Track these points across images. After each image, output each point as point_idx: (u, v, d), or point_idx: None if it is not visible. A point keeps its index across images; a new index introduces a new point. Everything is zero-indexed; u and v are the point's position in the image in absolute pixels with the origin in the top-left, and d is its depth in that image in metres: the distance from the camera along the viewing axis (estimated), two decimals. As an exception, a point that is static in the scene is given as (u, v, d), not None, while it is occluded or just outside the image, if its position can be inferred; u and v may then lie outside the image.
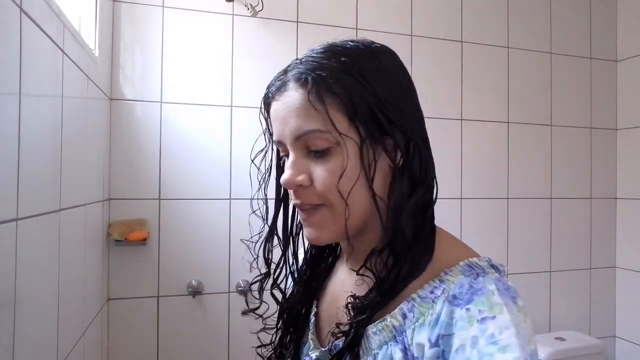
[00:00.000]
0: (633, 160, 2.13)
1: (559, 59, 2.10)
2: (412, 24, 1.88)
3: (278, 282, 0.64)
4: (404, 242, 0.52)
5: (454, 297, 0.48)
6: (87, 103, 1.21)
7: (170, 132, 1.60)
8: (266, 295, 0.65)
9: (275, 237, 0.63)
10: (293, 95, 0.52)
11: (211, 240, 1.63)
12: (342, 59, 0.52)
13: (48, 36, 0.84)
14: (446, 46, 1.93)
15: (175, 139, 1.60)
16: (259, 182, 0.61)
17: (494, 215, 1.99)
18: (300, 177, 0.53)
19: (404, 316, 0.51)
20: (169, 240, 1.59)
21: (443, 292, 0.49)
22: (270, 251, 0.63)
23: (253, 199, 0.61)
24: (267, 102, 0.57)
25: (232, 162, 1.65)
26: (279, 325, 0.65)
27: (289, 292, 0.67)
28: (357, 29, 1.81)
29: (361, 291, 0.54)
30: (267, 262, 0.63)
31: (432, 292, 0.50)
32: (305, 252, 0.68)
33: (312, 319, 0.64)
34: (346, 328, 0.53)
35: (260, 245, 0.62)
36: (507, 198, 2.01)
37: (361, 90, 0.51)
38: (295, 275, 0.66)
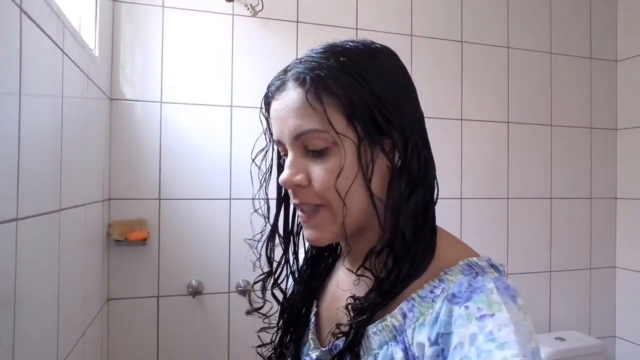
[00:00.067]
0: (633, 160, 2.13)
1: (559, 59, 2.10)
2: (412, 24, 1.88)
3: (279, 282, 0.64)
4: (404, 242, 0.52)
5: (453, 295, 0.48)
6: (87, 103, 1.21)
7: (170, 132, 1.60)
8: (268, 294, 0.65)
9: (277, 237, 0.63)
10: (292, 95, 0.53)
11: (211, 240, 1.63)
12: (341, 59, 0.52)
13: (48, 36, 0.84)
14: (446, 46, 1.93)
15: (175, 139, 1.60)
16: (260, 181, 0.61)
17: (494, 215, 1.99)
18: (298, 177, 0.53)
19: (404, 316, 0.51)
20: (169, 240, 1.59)
21: (442, 291, 0.49)
22: (272, 250, 0.63)
23: (254, 198, 0.61)
24: (267, 101, 0.58)
25: (232, 162, 1.65)
26: (279, 325, 0.65)
27: (289, 291, 0.67)
28: (357, 29, 1.81)
29: (361, 291, 0.54)
30: (270, 261, 0.63)
31: (431, 292, 0.50)
32: (306, 252, 0.68)
33: (313, 318, 0.64)
34: (346, 329, 0.53)
35: (263, 245, 0.62)
36: (507, 198, 2.01)
37: (360, 91, 0.51)
38: (296, 275, 0.67)
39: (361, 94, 0.51)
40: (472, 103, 1.96)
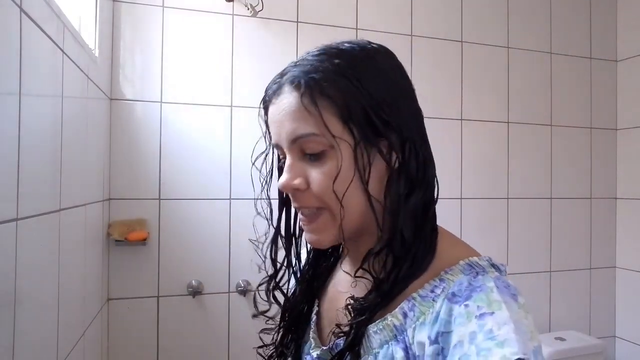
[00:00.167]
0: (633, 160, 2.13)
1: (559, 59, 2.10)
2: (412, 24, 1.88)
3: (281, 284, 0.64)
4: (403, 243, 0.52)
5: (453, 294, 0.48)
6: (87, 103, 1.21)
7: (170, 132, 1.60)
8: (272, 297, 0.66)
9: (279, 239, 0.63)
10: (287, 99, 0.53)
11: (211, 240, 1.63)
12: (336, 61, 0.52)
13: (48, 36, 0.84)
14: (446, 46, 1.93)
15: (175, 139, 1.60)
16: (262, 184, 0.61)
17: (494, 215, 1.99)
18: (297, 181, 0.53)
19: (405, 315, 0.51)
20: (169, 240, 1.59)
21: (443, 290, 0.49)
22: (277, 253, 0.63)
23: (257, 198, 0.61)
24: (265, 105, 0.58)
25: (232, 162, 1.65)
26: (281, 325, 0.65)
27: (291, 292, 0.67)
28: (357, 29, 1.81)
29: (361, 292, 0.54)
30: (275, 263, 0.63)
31: (432, 291, 0.50)
32: (308, 252, 0.68)
33: (314, 317, 0.65)
34: (347, 328, 0.53)
35: (268, 247, 0.63)
36: (507, 198, 2.01)
37: (355, 93, 0.51)
38: (298, 275, 0.67)
39: (357, 96, 0.51)
40: (472, 103, 1.96)
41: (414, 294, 0.51)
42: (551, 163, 2.08)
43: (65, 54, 0.96)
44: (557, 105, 2.09)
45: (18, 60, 0.70)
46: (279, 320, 0.65)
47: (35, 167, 0.80)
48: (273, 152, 0.61)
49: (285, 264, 0.64)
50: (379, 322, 0.52)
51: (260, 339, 0.66)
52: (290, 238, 0.64)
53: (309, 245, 0.67)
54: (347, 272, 0.58)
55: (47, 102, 0.87)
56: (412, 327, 0.50)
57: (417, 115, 0.57)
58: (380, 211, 0.53)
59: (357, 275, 0.54)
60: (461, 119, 1.95)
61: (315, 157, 0.53)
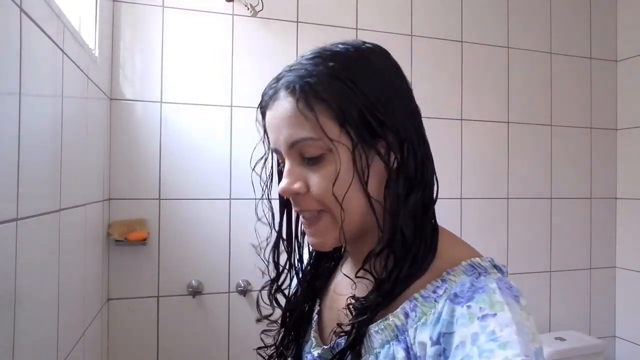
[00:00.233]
0: (633, 160, 2.13)
1: (559, 59, 2.10)
2: (412, 24, 1.88)
3: (283, 287, 0.65)
4: (403, 243, 0.52)
5: (455, 295, 0.48)
6: (87, 103, 1.21)
7: (170, 132, 1.60)
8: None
9: (281, 243, 0.64)
10: (283, 104, 0.53)
11: (211, 240, 1.63)
12: (330, 64, 0.52)
13: (48, 36, 0.84)
14: (446, 46, 1.93)
15: (175, 139, 1.60)
16: (262, 188, 0.61)
17: (494, 215, 1.99)
18: (296, 185, 0.53)
19: (407, 315, 0.51)
20: (169, 240, 1.59)
21: (445, 291, 0.49)
22: (279, 256, 0.64)
23: (258, 199, 0.61)
24: (262, 110, 0.58)
25: (232, 162, 1.65)
26: (282, 325, 0.66)
27: (292, 292, 0.68)
28: (357, 29, 1.81)
29: (362, 292, 0.54)
30: (277, 267, 0.64)
31: (434, 292, 0.50)
32: (310, 253, 0.68)
33: (315, 317, 0.65)
34: (348, 328, 0.53)
35: (270, 252, 0.63)
36: (507, 198, 2.01)
37: (350, 95, 0.51)
38: (300, 275, 0.67)
39: (352, 98, 0.51)
40: (472, 103, 1.96)
41: (416, 295, 0.51)
42: (551, 163, 2.08)
43: (65, 54, 0.96)
44: (557, 105, 2.09)
45: (18, 60, 0.70)
46: (280, 321, 0.66)
47: (35, 167, 0.79)
48: (272, 157, 0.61)
49: (287, 267, 0.64)
50: (381, 322, 0.52)
51: (262, 339, 0.66)
52: (292, 241, 0.64)
53: (311, 247, 0.67)
54: (346, 275, 0.58)
55: (47, 102, 0.87)
56: (413, 328, 0.50)
57: (414, 115, 0.56)
58: (380, 212, 0.53)
59: (358, 275, 0.54)
60: (461, 119, 1.95)
61: (314, 161, 0.53)
